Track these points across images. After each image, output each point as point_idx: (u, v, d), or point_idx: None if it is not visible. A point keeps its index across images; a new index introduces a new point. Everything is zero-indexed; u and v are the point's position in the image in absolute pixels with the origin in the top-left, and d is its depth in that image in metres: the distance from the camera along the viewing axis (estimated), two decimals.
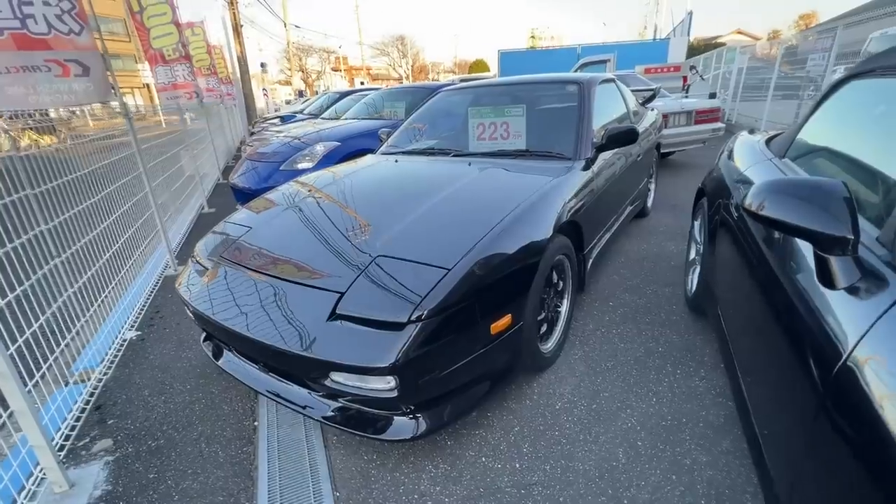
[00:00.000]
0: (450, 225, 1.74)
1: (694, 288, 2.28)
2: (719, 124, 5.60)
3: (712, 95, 6.64)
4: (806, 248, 1.01)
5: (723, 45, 15.91)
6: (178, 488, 1.49)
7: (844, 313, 0.82)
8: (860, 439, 0.69)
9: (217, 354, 1.84)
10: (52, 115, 2.73)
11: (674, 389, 1.79)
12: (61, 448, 1.60)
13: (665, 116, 5.13)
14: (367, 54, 46.32)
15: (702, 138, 5.56)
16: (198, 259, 1.93)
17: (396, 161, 2.64)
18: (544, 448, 1.54)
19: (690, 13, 19.28)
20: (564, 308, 2.07)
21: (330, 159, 3.90)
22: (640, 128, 3.17)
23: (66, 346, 1.97)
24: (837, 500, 0.74)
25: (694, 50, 21.96)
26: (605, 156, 2.45)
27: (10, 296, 1.57)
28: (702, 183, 2.38)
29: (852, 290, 0.83)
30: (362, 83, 36.36)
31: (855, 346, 0.74)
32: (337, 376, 1.36)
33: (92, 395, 1.92)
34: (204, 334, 1.94)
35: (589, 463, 1.47)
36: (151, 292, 2.93)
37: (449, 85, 3.83)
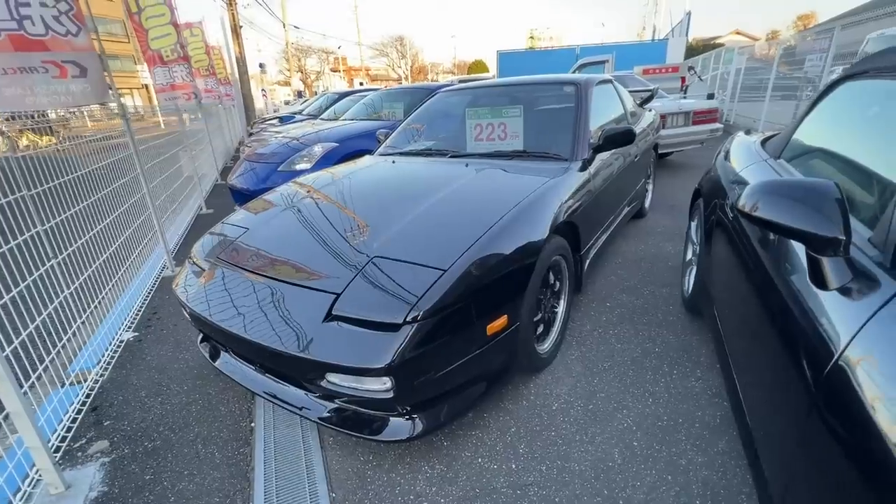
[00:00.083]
0: (446, 226, 1.74)
1: (690, 288, 2.29)
2: (717, 125, 5.61)
3: (710, 96, 6.66)
4: (799, 249, 1.02)
5: (721, 45, 15.94)
6: (174, 490, 1.49)
7: (836, 314, 0.82)
8: (851, 439, 0.69)
9: (214, 356, 1.84)
10: (52, 115, 2.73)
11: (670, 390, 1.79)
12: (57, 449, 1.60)
13: (663, 117, 5.14)
14: (366, 55, 46.39)
15: (700, 139, 5.57)
16: (195, 260, 1.93)
17: (394, 162, 2.64)
18: (540, 449, 1.55)
19: (689, 14, 19.32)
20: (561, 309, 2.07)
21: (328, 160, 3.90)
22: (638, 128, 3.18)
23: (63, 348, 1.96)
24: (830, 501, 0.75)
25: (692, 50, 22.00)
26: (603, 156, 2.45)
27: (6, 297, 1.57)
28: (698, 184, 2.39)
29: (844, 291, 0.83)
30: (361, 84, 36.36)
31: (846, 347, 0.75)
32: (333, 377, 1.36)
33: (88, 396, 1.92)
34: (201, 335, 1.94)
35: (585, 463, 1.48)
36: (149, 293, 2.93)
37: (447, 85, 3.83)
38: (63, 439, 1.66)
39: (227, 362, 1.77)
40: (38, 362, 1.71)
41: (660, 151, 5.10)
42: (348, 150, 4.04)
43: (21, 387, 1.42)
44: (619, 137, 2.27)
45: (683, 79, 8.21)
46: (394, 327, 1.29)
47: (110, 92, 2.57)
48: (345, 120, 5.47)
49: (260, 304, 1.51)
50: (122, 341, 2.37)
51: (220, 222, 2.20)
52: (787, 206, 0.89)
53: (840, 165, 1.29)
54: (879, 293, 0.77)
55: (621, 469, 1.45)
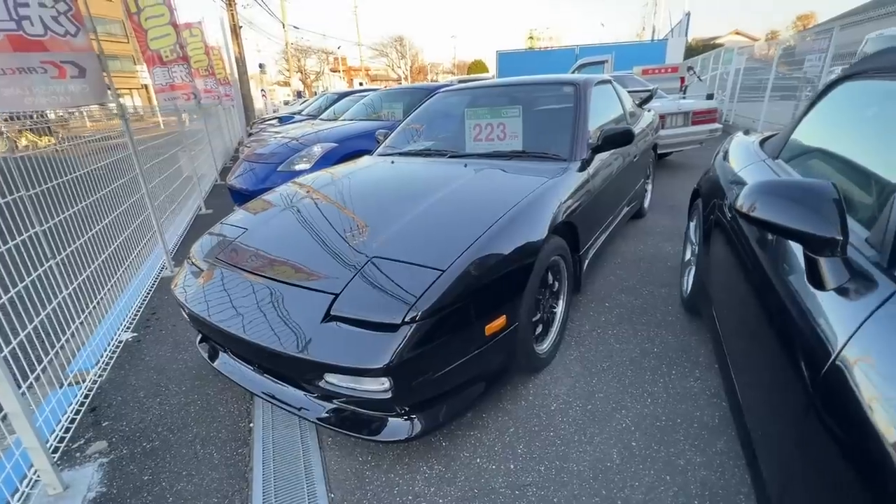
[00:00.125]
0: (445, 226, 1.74)
1: (689, 288, 2.29)
2: (716, 125, 5.61)
3: (710, 96, 6.68)
4: (797, 250, 1.02)
5: (721, 45, 15.95)
6: (172, 490, 1.48)
7: (833, 314, 0.82)
8: (848, 439, 0.69)
9: (213, 356, 1.84)
10: (51, 116, 2.73)
11: (668, 390, 1.79)
12: (55, 450, 1.60)
13: (662, 117, 5.15)
14: (365, 55, 46.41)
15: (699, 139, 5.57)
16: (193, 261, 1.93)
17: (393, 162, 2.64)
18: (539, 449, 1.55)
19: (688, 14, 19.34)
20: (560, 309, 2.07)
21: (327, 160, 3.90)
22: (637, 129, 3.18)
23: (62, 348, 1.96)
24: (828, 501, 0.75)
25: (692, 51, 22.01)
26: (602, 157, 2.45)
27: (4, 298, 1.57)
28: (697, 184, 2.39)
29: (841, 291, 0.84)
30: (361, 84, 36.37)
31: (843, 347, 0.75)
32: (331, 377, 1.36)
33: (87, 396, 1.92)
34: (200, 336, 1.94)
35: (583, 464, 1.48)
36: (148, 294, 2.93)
37: (447, 86, 3.83)
38: (61, 440, 1.65)
39: (226, 363, 1.77)
40: (36, 363, 1.71)
41: (659, 152, 5.10)
42: (347, 150, 4.04)
43: (19, 387, 1.42)
44: (617, 138, 2.28)
45: (683, 79, 8.22)
46: (392, 328, 1.29)
47: (109, 92, 2.57)
48: (344, 120, 5.47)
49: (259, 304, 1.50)
50: (120, 342, 2.36)
51: (218, 222, 2.20)
52: (784, 206, 0.89)
53: (838, 166, 1.30)
54: (877, 293, 0.77)
55: (620, 469, 1.45)
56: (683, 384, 1.82)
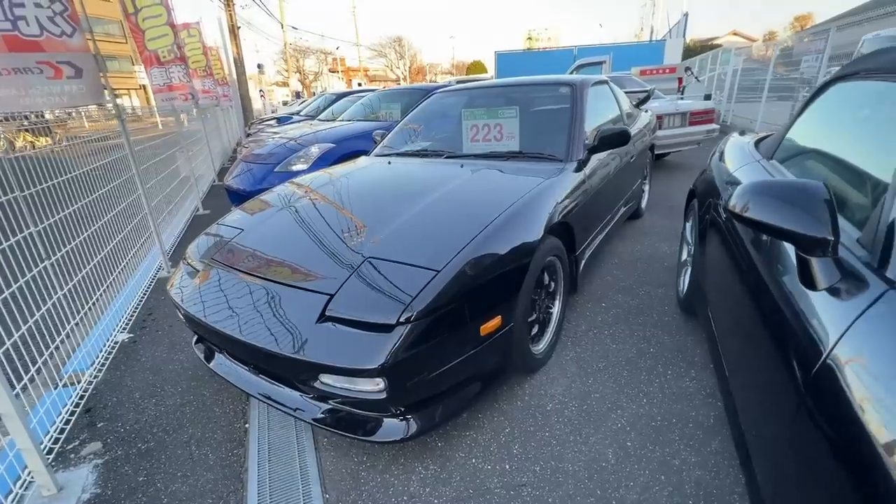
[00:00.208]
0: (440, 226, 1.74)
1: (685, 289, 2.29)
2: (714, 125, 5.63)
3: (707, 97, 6.68)
4: (789, 250, 1.02)
5: (719, 46, 15.99)
6: (167, 491, 1.48)
7: (825, 313, 0.83)
8: (838, 438, 0.69)
9: (209, 357, 1.83)
10: (48, 116, 2.73)
11: (664, 390, 1.79)
12: (50, 451, 1.60)
13: (660, 118, 5.16)
14: (364, 56, 46.39)
15: (696, 139, 5.59)
16: (189, 261, 1.93)
17: (390, 163, 2.64)
18: (534, 449, 1.55)
19: (686, 15, 19.40)
20: (556, 309, 2.08)
21: (325, 161, 3.89)
22: (633, 129, 3.18)
23: (57, 349, 1.96)
24: (820, 501, 0.75)
25: (690, 51, 22.06)
26: (599, 157, 2.46)
27: None
28: (693, 184, 2.40)
29: (833, 291, 0.84)
30: (360, 84, 36.38)
31: (834, 346, 0.75)
32: (326, 378, 1.36)
33: (82, 397, 1.91)
34: (196, 337, 1.94)
35: (578, 464, 1.48)
36: (144, 294, 2.92)
37: (445, 86, 3.84)
38: (56, 441, 1.65)
39: (222, 364, 1.77)
40: (31, 364, 1.70)
41: (657, 152, 5.11)
42: (345, 150, 4.04)
43: (13, 388, 1.41)
44: (614, 138, 2.28)
45: (680, 80, 8.24)
46: (387, 328, 1.29)
47: (106, 93, 2.57)
48: (342, 121, 5.47)
49: (254, 305, 1.50)
50: (116, 342, 2.36)
51: (215, 223, 2.20)
52: (776, 206, 0.89)
53: (831, 166, 1.30)
54: (867, 293, 0.77)
55: (615, 469, 1.45)
56: (679, 384, 1.82)
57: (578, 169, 2.23)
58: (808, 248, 0.86)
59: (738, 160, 1.89)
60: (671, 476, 1.41)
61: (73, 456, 1.64)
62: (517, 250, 1.64)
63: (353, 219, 1.90)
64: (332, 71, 46.69)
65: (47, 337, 1.88)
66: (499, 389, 1.82)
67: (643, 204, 3.99)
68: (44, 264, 1.93)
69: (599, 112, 2.83)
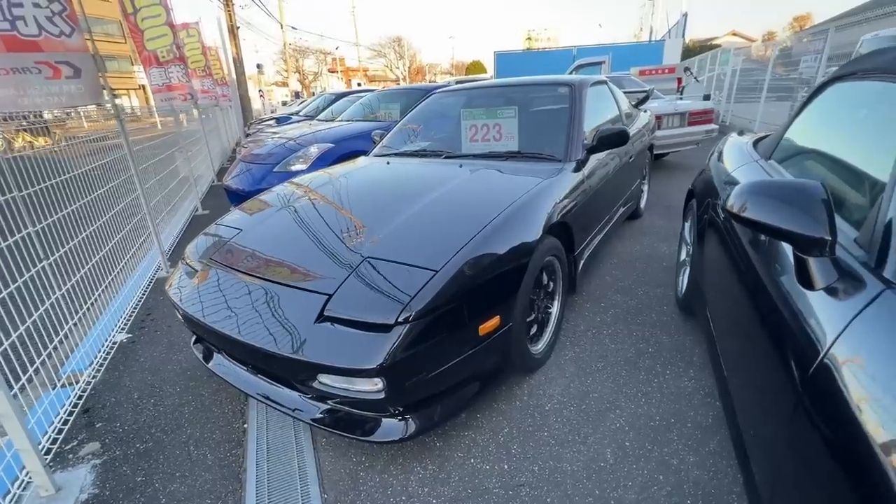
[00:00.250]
0: (439, 226, 1.74)
1: (684, 289, 2.29)
2: (713, 126, 5.63)
3: (706, 97, 6.69)
4: (787, 250, 1.02)
5: (718, 46, 16.00)
6: (165, 491, 1.48)
7: (822, 313, 0.83)
8: (835, 438, 0.69)
9: (207, 357, 1.83)
10: (47, 116, 2.72)
11: (663, 390, 1.79)
12: (48, 452, 1.59)
13: (659, 118, 5.16)
14: (363, 56, 46.41)
15: (695, 140, 5.59)
16: (188, 261, 1.92)
17: (388, 163, 2.64)
18: (533, 449, 1.55)
19: (685, 15, 19.42)
20: (555, 309, 2.08)
21: (324, 161, 3.89)
22: (632, 129, 3.19)
23: (55, 350, 1.96)
24: (817, 500, 0.75)
25: (689, 51, 22.09)
26: (597, 157, 2.46)
27: None
28: (692, 184, 2.40)
29: (830, 291, 0.84)
30: (359, 84, 36.36)
31: (831, 346, 0.75)
32: (325, 378, 1.36)
33: (80, 398, 1.91)
34: (194, 337, 1.94)
35: (577, 464, 1.48)
36: (143, 294, 2.92)
37: (444, 86, 3.84)
38: (54, 441, 1.65)
39: (221, 364, 1.77)
40: (29, 364, 1.70)
41: (656, 152, 5.11)
42: (344, 150, 4.04)
43: (11, 388, 1.41)
44: (613, 138, 2.28)
45: (680, 80, 8.25)
46: (385, 328, 1.29)
47: (104, 93, 2.57)
48: (341, 121, 5.47)
49: (253, 305, 1.50)
50: (115, 342, 2.36)
51: (213, 223, 2.20)
52: (774, 206, 0.89)
53: (828, 166, 1.30)
54: (864, 293, 0.77)
55: (613, 469, 1.45)
56: (678, 384, 1.82)
57: (577, 169, 2.23)
58: (806, 248, 0.86)
59: (736, 160, 1.89)
60: (670, 476, 1.41)
61: (71, 456, 1.64)
62: (516, 250, 1.64)
63: (352, 219, 1.90)
64: (332, 71, 46.67)
65: (45, 337, 1.87)
66: (497, 389, 1.82)
67: (642, 204, 3.99)
68: (42, 264, 1.93)
69: (598, 112, 2.83)
